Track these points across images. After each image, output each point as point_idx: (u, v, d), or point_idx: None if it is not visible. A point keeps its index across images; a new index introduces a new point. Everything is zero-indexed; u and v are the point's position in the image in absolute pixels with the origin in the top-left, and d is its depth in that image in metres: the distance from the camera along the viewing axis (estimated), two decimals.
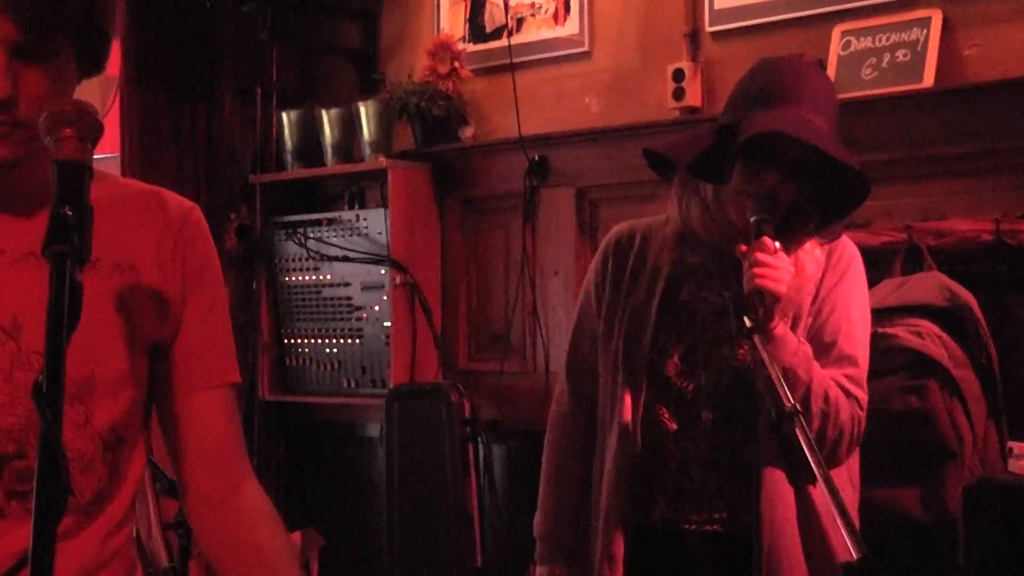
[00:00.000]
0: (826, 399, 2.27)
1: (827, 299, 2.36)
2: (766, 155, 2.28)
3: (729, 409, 2.36)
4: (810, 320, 2.36)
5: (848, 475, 2.40)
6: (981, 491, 2.86)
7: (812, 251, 2.37)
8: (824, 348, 2.34)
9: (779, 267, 2.20)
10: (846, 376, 2.32)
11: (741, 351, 2.34)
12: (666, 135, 3.89)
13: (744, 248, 2.23)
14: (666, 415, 2.40)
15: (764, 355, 2.08)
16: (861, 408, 2.33)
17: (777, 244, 2.23)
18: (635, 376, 2.41)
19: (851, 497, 2.39)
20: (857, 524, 2.37)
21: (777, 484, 2.30)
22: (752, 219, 2.26)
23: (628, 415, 2.41)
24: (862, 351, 2.38)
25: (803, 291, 2.34)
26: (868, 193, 2.30)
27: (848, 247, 2.43)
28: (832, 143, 2.27)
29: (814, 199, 2.34)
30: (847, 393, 2.31)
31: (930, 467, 3.03)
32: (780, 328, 2.24)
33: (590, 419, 2.54)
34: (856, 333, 2.37)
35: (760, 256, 2.21)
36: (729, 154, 2.28)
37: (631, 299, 2.46)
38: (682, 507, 2.38)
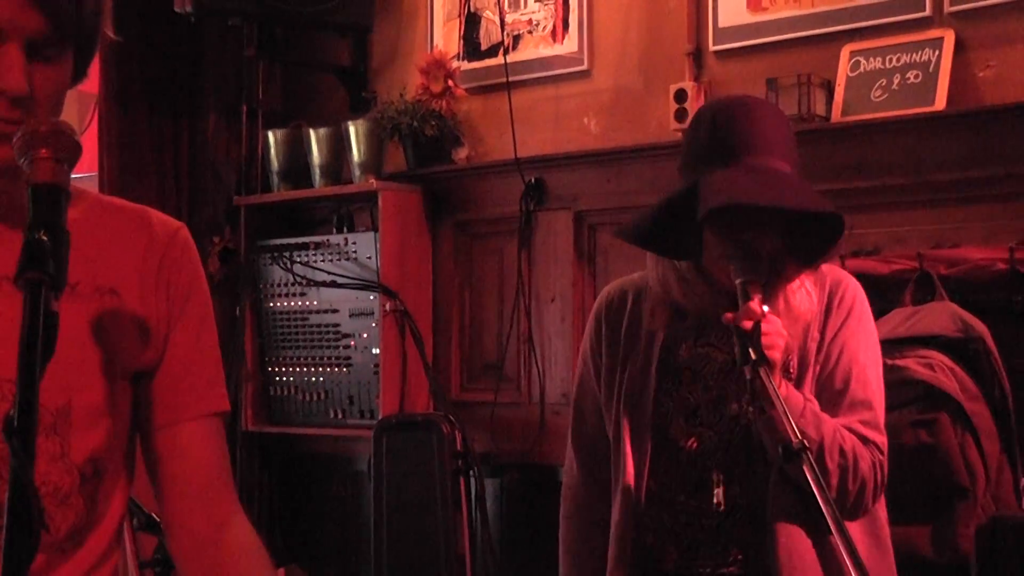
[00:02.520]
0: (842, 452, 2.27)
1: (834, 343, 2.36)
2: (733, 214, 2.27)
3: (739, 466, 2.37)
4: (818, 368, 2.36)
5: (882, 514, 2.42)
6: (994, 530, 2.87)
7: (802, 287, 2.36)
8: (835, 396, 2.34)
9: (769, 332, 2.19)
10: (861, 422, 2.32)
11: (747, 407, 2.34)
12: (668, 158, 3.91)
13: (731, 316, 2.22)
14: (676, 477, 2.41)
15: (770, 389, 2.08)
16: (882, 453, 2.32)
17: (765, 308, 2.21)
18: (640, 441, 2.43)
19: (883, 538, 2.41)
20: (893, 560, 2.41)
21: (793, 539, 2.30)
22: (737, 282, 2.25)
23: (632, 480, 2.42)
24: (876, 393, 2.38)
25: (797, 334, 2.33)
26: (842, 229, 2.30)
27: (850, 285, 2.43)
28: (794, 188, 2.27)
29: (794, 240, 2.33)
30: (864, 440, 2.31)
31: (941, 505, 3.03)
32: (783, 389, 2.22)
33: (603, 488, 2.54)
34: (867, 375, 2.37)
35: (748, 325, 2.20)
36: (693, 228, 2.29)
37: (629, 364, 2.47)
38: (695, 555, 2.39)
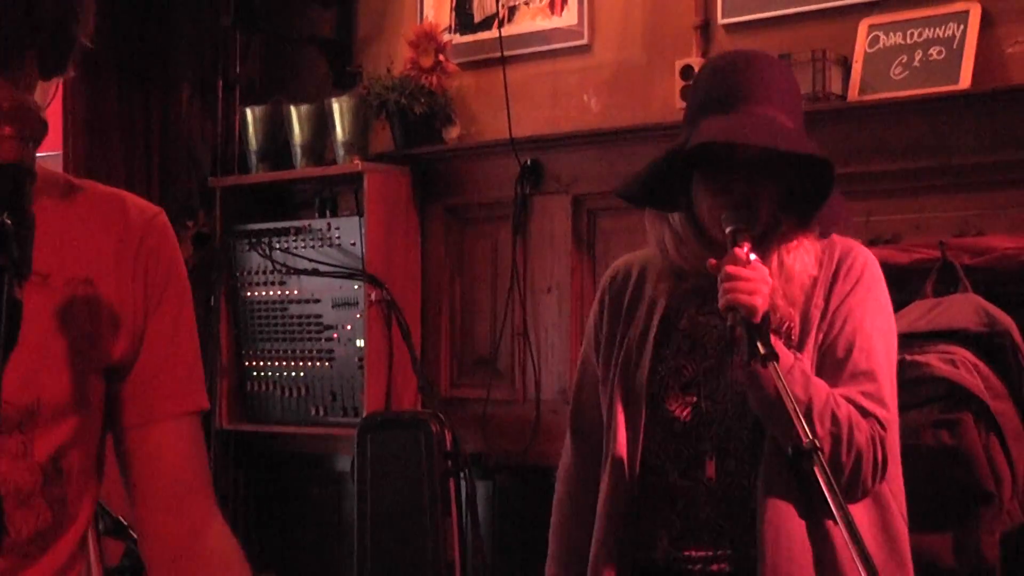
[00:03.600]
0: (834, 419, 2.27)
1: (839, 311, 2.38)
2: (727, 163, 2.35)
3: (735, 440, 2.39)
4: (820, 335, 2.38)
5: (900, 510, 2.42)
6: (1021, 538, 2.87)
7: (805, 251, 2.39)
8: (837, 364, 2.36)
9: (752, 278, 2.23)
10: (862, 393, 2.33)
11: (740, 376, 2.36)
12: (673, 138, 3.91)
13: (714, 262, 2.28)
14: (669, 451, 2.43)
15: (780, 385, 2.10)
16: (883, 427, 2.32)
17: (751, 254, 2.27)
18: (633, 411, 2.45)
19: (901, 551, 2.41)
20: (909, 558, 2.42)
21: (783, 518, 2.31)
22: (727, 230, 2.31)
23: (623, 452, 2.44)
24: (883, 364, 2.38)
25: (792, 295, 2.37)
26: (833, 177, 2.36)
27: (860, 253, 2.46)
28: (789, 136, 2.33)
29: (792, 199, 2.39)
30: (863, 411, 2.31)
31: (964, 510, 3.04)
32: (772, 345, 2.24)
33: (597, 473, 2.57)
34: (872, 345, 2.38)
35: (731, 269, 2.25)
36: (687, 181, 2.38)
37: (628, 333, 2.52)
38: (687, 544, 2.41)
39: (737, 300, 2.22)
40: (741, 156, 2.34)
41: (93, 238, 1.62)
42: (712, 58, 2.52)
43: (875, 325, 2.39)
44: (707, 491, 2.39)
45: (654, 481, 2.43)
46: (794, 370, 2.26)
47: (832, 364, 2.35)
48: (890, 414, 2.36)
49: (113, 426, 1.67)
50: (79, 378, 1.59)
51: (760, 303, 2.22)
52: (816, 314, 2.38)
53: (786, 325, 2.37)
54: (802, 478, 2.26)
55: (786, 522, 2.31)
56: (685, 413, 2.42)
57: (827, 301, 2.39)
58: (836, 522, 2.18)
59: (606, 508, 2.47)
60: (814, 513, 2.32)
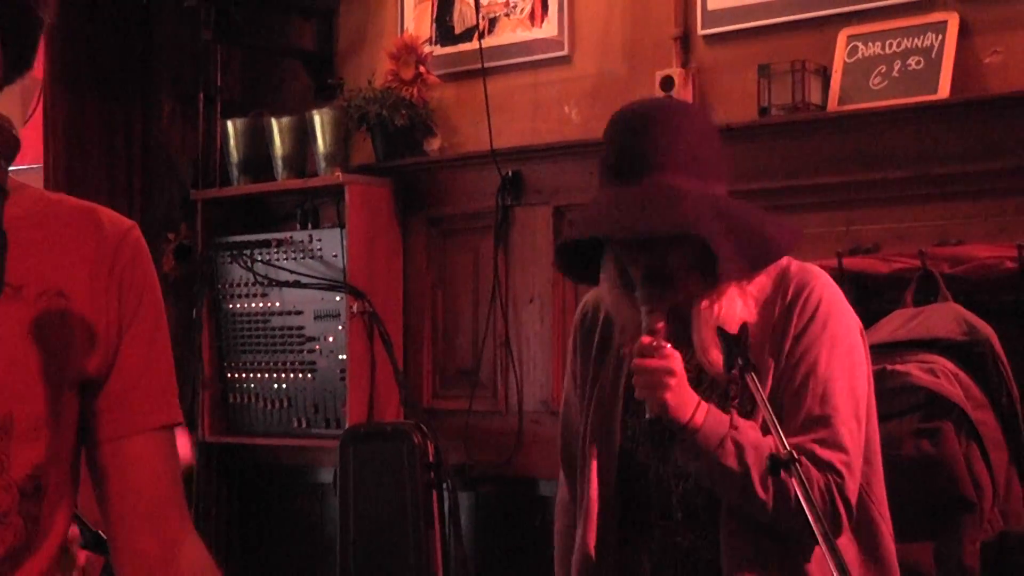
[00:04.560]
0: (775, 481, 2.21)
1: (792, 353, 2.30)
2: (632, 239, 2.32)
3: (702, 495, 2.35)
4: (775, 377, 2.31)
5: (887, 529, 2.41)
6: (1001, 546, 2.87)
7: (733, 298, 2.32)
8: (793, 412, 2.29)
9: (656, 369, 2.23)
10: (815, 441, 2.25)
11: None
12: None
13: (627, 350, 2.29)
14: (643, 500, 2.41)
15: (758, 396, 2.08)
16: (840, 474, 2.24)
17: (661, 339, 2.25)
18: (607, 464, 2.43)
19: (885, 558, 2.40)
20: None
21: None
22: (643, 311, 2.30)
23: (595, 505, 2.42)
24: (841, 405, 2.29)
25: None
26: (720, 254, 2.26)
27: (816, 283, 2.36)
28: (685, 206, 2.24)
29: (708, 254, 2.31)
30: (817, 462, 2.24)
31: (945, 519, 3.03)
32: (698, 414, 2.24)
33: None
34: (831, 388, 2.29)
35: (635, 363, 2.26)
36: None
37: (601, 378, 2.48)
38: None
39: (644, 395, 2.24)
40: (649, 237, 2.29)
41: (67, 251, 1.61)
42: (618, 112, 2.39)
43: (831, 364, 2.30)
44: (676, 553, 2.38)
45: (632, 530, 2.43)
46: (725, 442, 2.23)
47: (789, 412, 2.28)
48: (850, 456, 2.27)
49: (87, 440, 1.66)
50: (53, 392, 1.57)
51: (668, 396, 2.22)
52: (770, 360, 2.31)
53: (724, 386, 2.33)
54: (759, 543, 2.27)
55: None
56: (657, 467, 2.40)
57: (780, 345, 2.31)
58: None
59: (581, 555, 2.45)
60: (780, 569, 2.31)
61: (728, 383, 2.33)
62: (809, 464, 2.21)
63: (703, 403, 2.27)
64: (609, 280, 2.42)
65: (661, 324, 2.26)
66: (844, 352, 2.32)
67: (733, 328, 2.21)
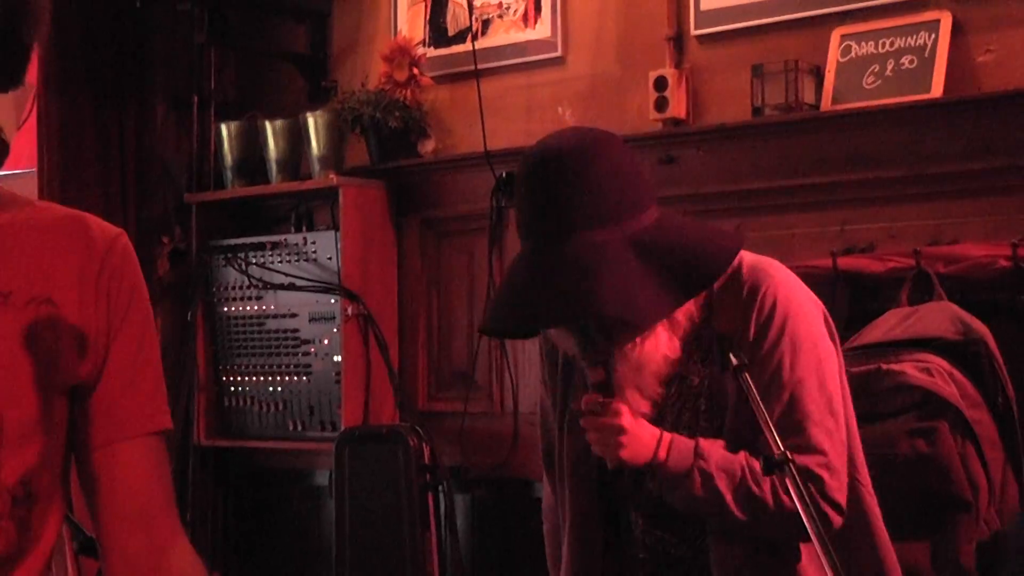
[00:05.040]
0: (750, 496, 2.21)
1: (753, 359, 2.20)
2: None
3: (673, 514, 2.34)
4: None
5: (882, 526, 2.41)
6: (998, 546, 2.86)
7: (659, 331, 2.28)
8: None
9: (607, 426, 2.22)
10: (788, 448, 2.16)
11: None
12: (648, 149, 3.91)
13: (575, 406, 2.30)
14: (627, 511, 2.41)
15: (750, 395, 2.07)
16: (817, 478, 2.20)
17: (600, 393, 2.24)
18: (585, 482, 2.42)
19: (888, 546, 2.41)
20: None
21: None
22: (583, 367, 2.30)
23: (578, 521, 2.42)
24: (813, 407, 2.25)
25: (644, 385, 2.30)
26: (638, 319, 2.23)
27: (770, 287, 2.28)
28: (599, 272, 2.15)
29: None
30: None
31: (941, 519, 3.03)
32: (660, 451, 2.23)
33: None
34: (800, 392, 2.24)
35: (586, 423, 2.26)
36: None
37: (570, 400, 2.43)
38: None
39: (601, 452, 2.25)
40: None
41: (55, 259, 1.62)
42: (524, 160, 2.31)
43: (796, 366, 2.25)
44: (668, 553, 2.37)
45: (619, 543, 2.42)
46: (692, 473, 2.21)
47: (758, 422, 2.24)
48: (828, 456, 2.23)
49: (76, 446, 1.66)
50: (44, 398, 1.58)
51: (623, 453, 2.22)
52: (728, 375, 2.23)
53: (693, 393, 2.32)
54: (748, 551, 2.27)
55: None
56: (636, 486, 2.38)
57: (749, 347, 2.25)
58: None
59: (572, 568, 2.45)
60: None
61: (697, 395, 2.31)
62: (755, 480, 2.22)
63: (665, 436, 2.24)
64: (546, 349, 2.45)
65: (601, 377, 2.24)
66: (808, 350, 2.27)
67: (657, 366, 2.25)
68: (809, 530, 1.90)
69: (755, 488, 2.21)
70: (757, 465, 2.17)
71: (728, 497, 2.21)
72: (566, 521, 2.45)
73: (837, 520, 2.24)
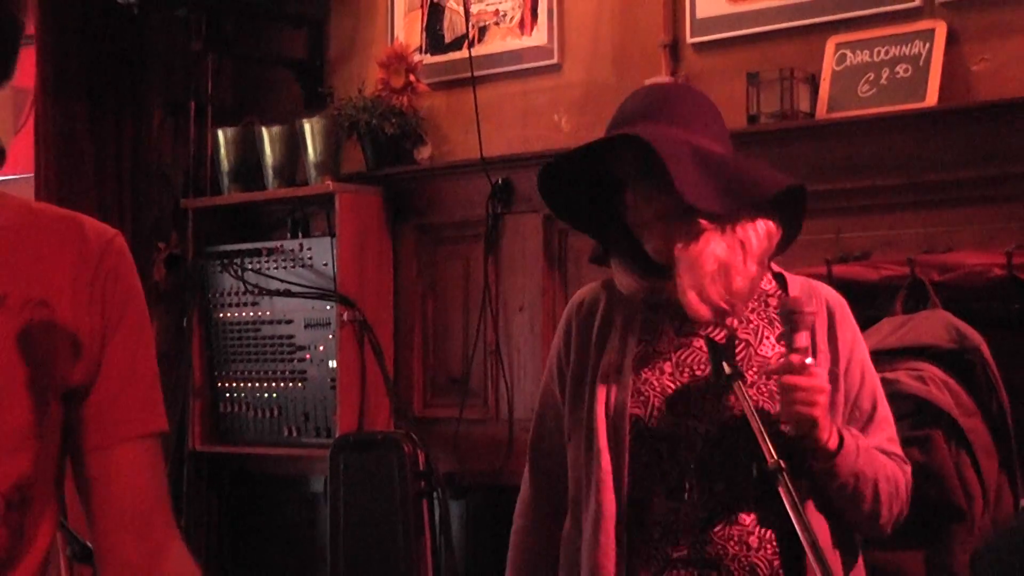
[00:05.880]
0: (888, 479, 2.36)
1: (852, 364, 2.42)
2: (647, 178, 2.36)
3: (720, 460, 2.34)
4: (844, 388, 2.40)
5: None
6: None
7: (756, 227, 2.38)
8: (865, 417, 2.42)
9: (810, 386, 2.25)
10: (888, 438, 2.41)
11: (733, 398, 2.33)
12: None
13: (774, 366, 2.31)
14: (655, 473, 2.38)
15: (745, 405, 2.08)
16: (906, 463, 2.43)
17: (803, 354, 2.28)
18: (617, 435, 2.39)
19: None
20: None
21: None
22: (780, 315, 2.34)
23: (608, 476, 2.38)
24: (884, 405, 2.47)
25: (750, 271, 2.37)
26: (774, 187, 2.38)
27: (838, 297, 2.50)
28: (694, 152, 2.33)
29: None
30: (894, 457, 2.40)
31: (935, 527, 3.02)
32: (835, 437, 2.29)
33: (558, 501, 2.55)
34: (879, 390, 2.47)
35: (789, 380, 2.26)
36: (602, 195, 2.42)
37: (602, 359, 2.45)
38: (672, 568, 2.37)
39: (795, 412, 2.24)
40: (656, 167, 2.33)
41: (49, 261, 1.61)
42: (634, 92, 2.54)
43: (873, 370, 2.47)
44: (693, 527, 2.35)
45: (640, 503, 2.39)
46: (860, 452, 2.31)
47: (861, 416, 2.41)
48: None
49: (71, 449, 1.65)
50: (39, 401, 1.57)
51: (819, 413, 2.25)
52: (835, 363, 2.40)
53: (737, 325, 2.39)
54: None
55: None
56: (673, 436, 2.37)
57: (836, 348, 2.41)
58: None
59: (597, 535, 2.39)
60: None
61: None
62: (895, 466, 2.38)
63: (835, 427, 2.31)
64: (624, 266, 2.46)
65: (806, 342, 2.29)
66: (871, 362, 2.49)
67: (711, 266, 2.30)
68: (801, 538, 1.90)
69: (886, 470, 2.35)
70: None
71: (881, 482, 2.33)
72: (589, 495, 2.41)
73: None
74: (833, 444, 2.27)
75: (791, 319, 2.28)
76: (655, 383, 2.39)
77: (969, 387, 3.11)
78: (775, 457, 2.00)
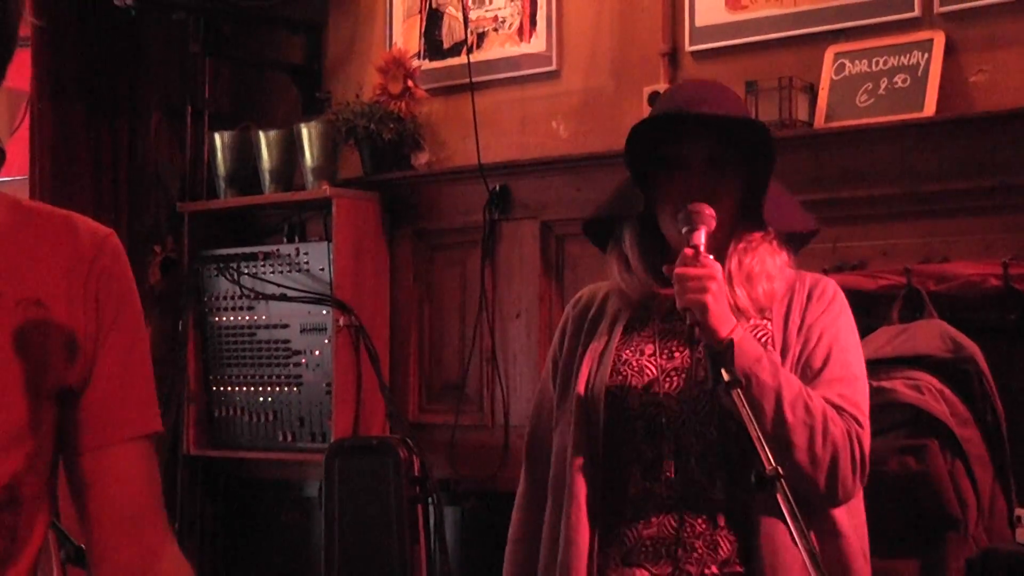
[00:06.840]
0: (807, 409, 2.29)
1: (813, 327, 2.43)
2: (683, 164, 2.43)
3: (697, 440, 2.38)
4: (798, 348, 2.42)
5: (860, 546, 2.41)
6: (986, 563, 2.86)
7: (765, 252, 2.45)
8: (813, 374, 2.40)
9: (699, 275, 2.28)
10: (838, 395, 2.36)
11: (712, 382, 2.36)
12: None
13: (668, 268, 2.36)
14: (630, 453, 2.42)
15: (744, 413, 2.08)
16: (860, 425, 2.35)
17: (702, 249, 2.32)
18: (593, 416, 2.44)
19: (862, 568, 2.41)
20: None
21: (779, 533, 2.29)
22: (683, 231, 2.37)
23: (580, 451, 2.43)
24: (859, 376, 2.43)
25: (756, 296, 2.42)
26: (773, 147, 2.41)
27: (830, 282, 2.54)
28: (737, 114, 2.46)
29: (746, 205, 2.45)
30: (839, 409, 2.34)
31: (930, 536, 3.03)
32: (737, 332, 2.30)
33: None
34: (848, 358, 2.43)
35: (679, 270, 2.31)
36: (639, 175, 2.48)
37: (592, 344, 2.53)
38: (636, 559, 2.39)
39: (687, 299, 2.28)
40: (697, 157, 2.42)
41: (44, 260, 1.60)
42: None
43: (849, 342, 2.45)
44: (667, 493, 2.38)
45: (615, 481, 2.42)
46: (762, 360, 2.30)
47: (809, 374, 2.39)
48: (865, 422, 2.38)
49: (65, 450, 1.64)
50: (33, 401, 1.56)
51: (708, 299, 2.27)
52: (793, 331, 2.42)
53: (761, 335, 2.41)
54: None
55: (780, 537, 2.29)
56: (650, 415, 2.42)
57: (803, 319, 2.44)
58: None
59: (570, 510, 2.44)
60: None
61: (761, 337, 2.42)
62: (832, 408, 2.32)
63: (736, 324, 2.33)
64: (627, 251, 2.52)
65: (702, 239, 2.33)
66: (856, 340, 2.50)
67: (766, 282, 2.40)
68: (797, 539, 1.90)
69: (810, 401, 2.31)
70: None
71: (785, 394, 2.28)
72: (572, 465, 2.45)
73: (858, 476, 2.35)
74: (724, 332, 2.27)
75: (690, 219, 2.35)
76: (634, 363, 2.46)
77: (964, 397, 3.11)
78: (773, 464, 2.00)
